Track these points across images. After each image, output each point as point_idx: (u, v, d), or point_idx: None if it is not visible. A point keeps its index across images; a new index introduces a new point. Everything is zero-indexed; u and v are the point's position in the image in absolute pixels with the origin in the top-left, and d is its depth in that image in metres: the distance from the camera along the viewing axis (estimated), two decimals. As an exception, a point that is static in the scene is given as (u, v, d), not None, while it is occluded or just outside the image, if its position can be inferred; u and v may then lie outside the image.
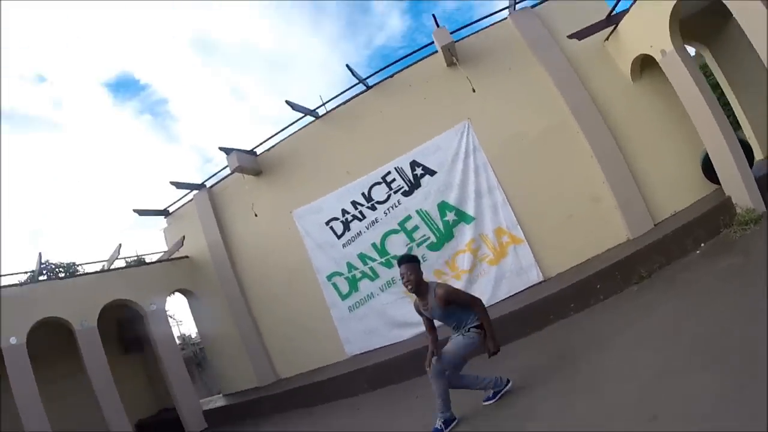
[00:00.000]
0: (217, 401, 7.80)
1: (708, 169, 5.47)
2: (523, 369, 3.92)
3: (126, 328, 8.74)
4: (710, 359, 2.66)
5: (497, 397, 3.44)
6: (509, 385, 3.50)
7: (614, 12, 5.78)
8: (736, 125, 7.42)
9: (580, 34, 5.78)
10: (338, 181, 6.91)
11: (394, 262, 6.50)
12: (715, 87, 7.34)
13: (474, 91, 6.16)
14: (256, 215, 7.31)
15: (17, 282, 6.79)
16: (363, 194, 6.72)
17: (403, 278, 3.39)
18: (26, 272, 7.13)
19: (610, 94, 6.05)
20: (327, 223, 6.91)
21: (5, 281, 6.79)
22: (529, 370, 3.86)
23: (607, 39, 6.02)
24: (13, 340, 5.67)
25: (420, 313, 3.58)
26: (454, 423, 3.34)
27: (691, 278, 4.29)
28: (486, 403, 3.47)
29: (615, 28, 5.81)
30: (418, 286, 3.37)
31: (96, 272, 7.50)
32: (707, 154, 5.37)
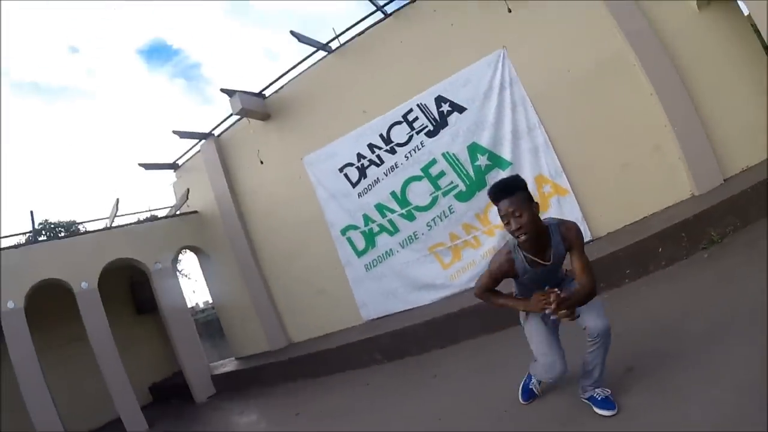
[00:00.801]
0: (227, 366, 7.45)
1: None
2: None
3: (138, 288, 8.54)
4: None
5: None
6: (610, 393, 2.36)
7: None
8: None
9: None
10: (353, 122, 6.11)
11: (416, 213, 5.75)
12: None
13: (510, 11, 5.18)
14: (261, 162, 6.66)
15: (15, 243, 6.56)
16: (381, 136, 5.88)
17: (509, 224, 2.13)
18: (24, 233, 6.77)
19: (672, 23, 4.95)
20: (341, 170, 6.13)
21: (3, 243, 6.52)
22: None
23: None
24: (10, 305, 5.46)
25: (502, 277, 2.35)
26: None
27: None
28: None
29: None
30: (534, 227, 2.13)
31: (96, 231, 7.10)
32: None
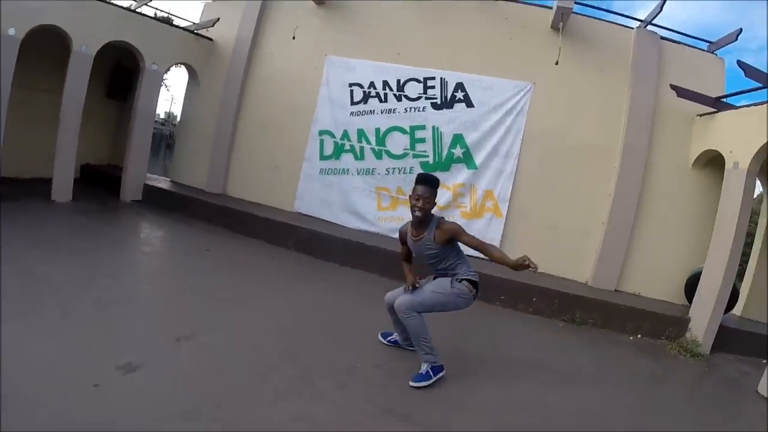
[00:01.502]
0: (161, 183, 7.81)
1: (692, 286, 5.34)
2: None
3: (118, 74, 8.57)
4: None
5: (431, 381, 2.89)
6: (443, 372, 2.97)
7: (725, 100, 5.43)
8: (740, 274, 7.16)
9: (681, 92, 5.43)
10: (384, 55, 6.55)
11: (385, 156, 6.42)
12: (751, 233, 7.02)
13: (557, 64, 5.82)
14: (294, 38, 6.96)
15: None
16: (398, 81, 6.41)
17: (417, 201, 2.84)
18: None
19: (665, 162, 5.85)
20: (350, 85, 6.61)
21: None
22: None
23: (701, 116, 5.66)
24: (11, 31, 5.39)
25: (402, 242, 3.19)
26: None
27: (613, 355, 4.35)
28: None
29: (714, 113, 5.44)
30: (427, 214, 2.89)
31: (120, 7, 7.08)
32: (699, 273, 5.23)
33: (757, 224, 6.37)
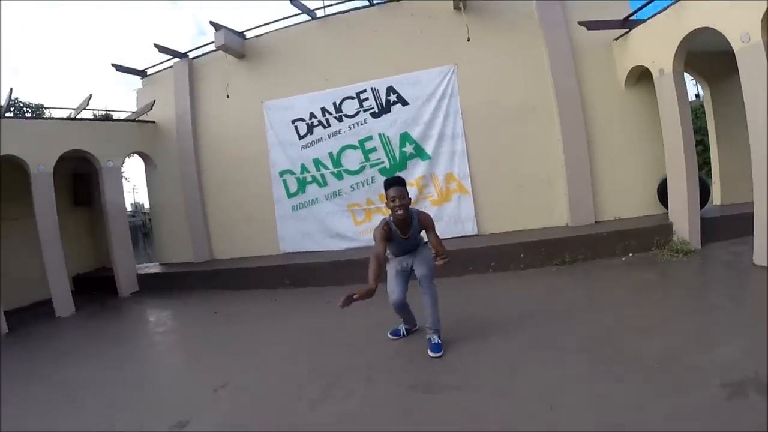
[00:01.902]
0: (152, 268, 8.11)
1: (663, 192, 5.71)
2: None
3: (79, 181, 8.82)
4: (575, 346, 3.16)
5: (403, 335, 3.65)
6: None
7: (633, 17, 5.78)
8: (707, 166, 7.63)
9: (590, 25, 5.79)
10: (314, 85, 6.97)
11: (345, 175, 6.79)
12: (702, 128, 7.41)
13: (469, 40, 6.22)
14: (228, 96, 7.33)
15: None
16: (334, 104, 6.82)
17: (394, 201, 3.07)
18: None
19: (598, 92, 6.23)
20: (293, 122, 7.02)
21: None
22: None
23: (616, 39, 6.07)
24: None
25: (388, 239, 3.21)
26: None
27: (605, 276, 4.73)
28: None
29: (627, 33, 5.83)
30: (408, 212, 3.14)
31: (61, 119, 7.35)
32: (666, 178, 5.61)
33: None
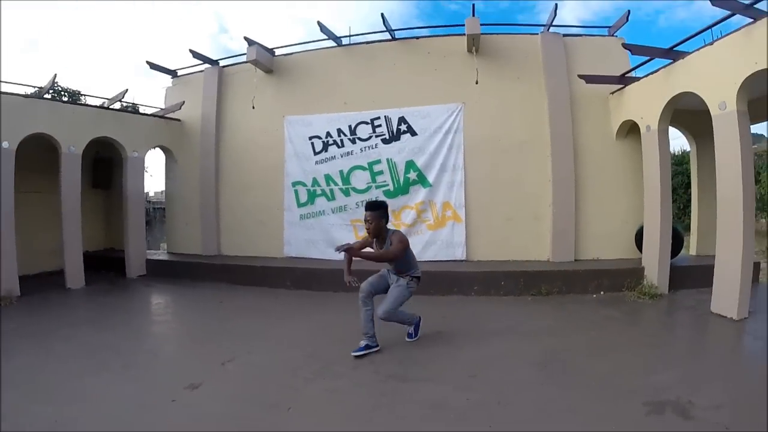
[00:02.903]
0: (161, 255, 8.61)
1: (640, 239, 6.17)
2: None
3: (99, 164, 9.41)
4: (556, 372, 3.83)
5: (366, 351, 3.81)
6: (376, 349, 3.90)
7: (630, 74, 6.39)
8: (685, 217, 8.07)
9: (590, 78, 6.42)
10: (333, 107, 7.58)
11: (352, 192, 7.37)
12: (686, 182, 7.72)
13: (477, 83, 6.78)
14: (253, 107, 7.90)
15: (23, 93, 7.06)
16: (349, 126, 7.44)
17: (365, 222, 3.90)
18: (34, 86, 7.46)
19: (590, 139, 6.82)
20: (310, 138, 7.62)
21: (13, 89, 6.97)
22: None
23: (613, 93, 6.67)
24: (5, 144, 6.10)
25: (368, 242, 4.08)
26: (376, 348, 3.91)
27: (575, 309, 5.24)
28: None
29: (622, 88, 6.41)
30: (378, 231, 3.89)
31: (96, 106, 7.91)
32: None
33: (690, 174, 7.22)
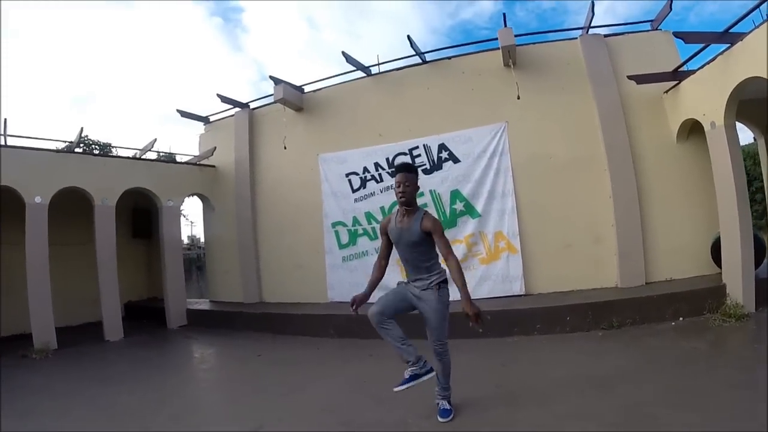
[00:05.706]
0: (202, 304, 8.46)
1: (717, 251, 5.47)
2: (464, 367, 3.86)
3: (139, 214, 9.48)
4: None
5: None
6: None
7: (683, 68, 5.70)
8: (763, 221, 7.25)
9: (640, 79, 5.76)
10: (368, 140, 7.21)
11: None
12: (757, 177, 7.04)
13: (519, 98, 6.24)
14: (285, 147, 7.65)
15: (55, 148, 7.19)
16: (387, 159, 7.03)
17: (398, 187, 3.02)
18: (65, 141, 7.62)
19: (649, 146, 6.13)
20: (347, 175, 7.26)
21: (45, 145, 7.21)
22: (469, 370, 4.00)
23: (667, 92, 5.99)
24: (38, 199, 6.20)
25: (384, 233, 3.27)
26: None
27: (653, 345, 4.51)
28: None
29: (677, 84, 5.76)
30: (411, 199, 3.06)
31: (127, 158, 8.01)
32: (720, 236, 5.38)
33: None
